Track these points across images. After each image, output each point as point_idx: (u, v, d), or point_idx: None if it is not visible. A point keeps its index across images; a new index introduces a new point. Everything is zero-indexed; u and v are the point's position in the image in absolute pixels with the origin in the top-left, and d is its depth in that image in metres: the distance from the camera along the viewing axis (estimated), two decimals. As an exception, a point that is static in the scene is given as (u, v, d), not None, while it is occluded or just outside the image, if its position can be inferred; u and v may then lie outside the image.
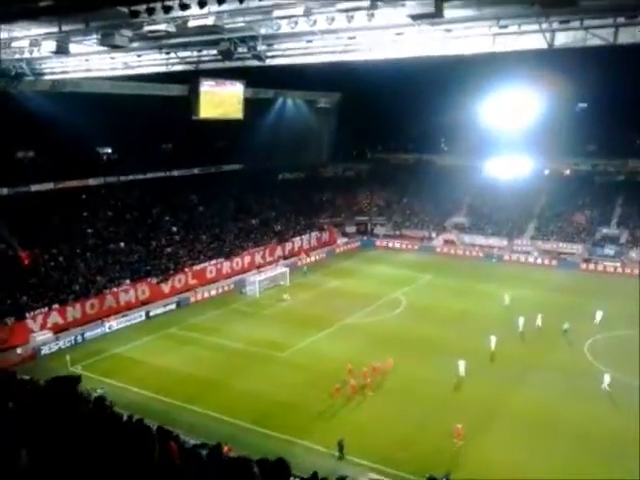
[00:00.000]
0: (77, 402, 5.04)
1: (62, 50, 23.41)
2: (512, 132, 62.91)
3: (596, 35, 18.60)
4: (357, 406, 31.62)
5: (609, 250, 63.24)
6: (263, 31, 21.41)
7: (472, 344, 38.68)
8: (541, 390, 33.18)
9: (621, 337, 41.19)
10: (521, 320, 41.99)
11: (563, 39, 19.43)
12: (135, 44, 23.78)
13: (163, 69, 31.11)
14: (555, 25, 18.79)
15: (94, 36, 22.37)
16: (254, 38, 22.87)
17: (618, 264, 60.89)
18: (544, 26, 18.96)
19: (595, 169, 73.33)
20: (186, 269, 53.23)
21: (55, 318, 42.79)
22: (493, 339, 38.46)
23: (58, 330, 42.30)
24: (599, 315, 43.69)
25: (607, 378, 32.85)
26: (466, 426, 27.92)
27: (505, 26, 19.03)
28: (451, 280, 56.74)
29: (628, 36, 18.15)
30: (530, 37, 19.76)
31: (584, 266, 62.01)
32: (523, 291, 52.32)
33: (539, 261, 64.43)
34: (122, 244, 53.40)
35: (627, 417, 29.34)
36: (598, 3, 15.69)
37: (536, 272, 60.19)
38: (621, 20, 17.67)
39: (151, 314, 47.04)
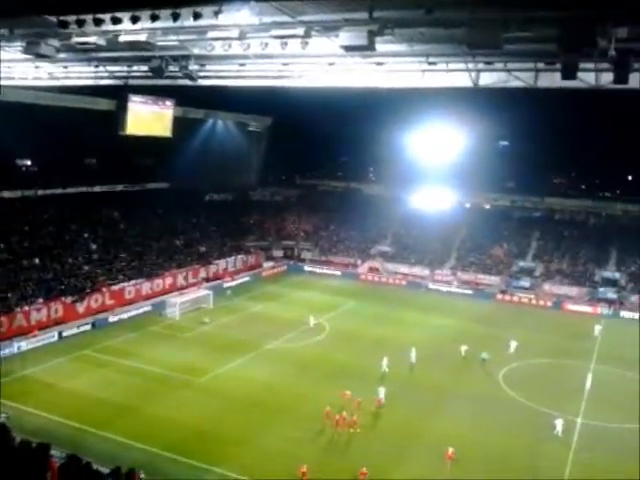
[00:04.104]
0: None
1: (-19, 55, 22.35)
2: (437, 165, 64.90)
3: (518, 78, 19.59)
4: (267, 432, 31.13)
5: (524, 282, 65.86)
6: (196, 51, 21.24)
7: (392, 371, 39.07)
8: (457, 418, 33.75)
9: (534, 365, 42.83)
10: (413, 351, 41.55)
11: (487, 79, 20.37)
12: (62, 55, 23.03)
13: (91, 82, 30.32)
14: (480, 65, 19.67)
15: (18, 43, 21.51)
16: (186, 57, 22.65)
17: (532, 296, 63.45)
18: (470, 65, 19.81)
19: (513, 205, 76.72)
20: (103, 289, 51.36)
21: (-42, 336, 40.23)
22: (385, 361, 39.25)
23: (-39, 349, 39.76)
24: (513, 345, 45.22)
25: (559, 423, 31.77)
26: (383, 456, 27.98)
27: (434, 63, 19.71)
28: (374, 307, 57.47)
29: (547, 81, 19.25)
30: (457, 75, 20.59)
31: (500, 297, 64.22)
32: (442, 320, 53.65)
33: (458, 290, 66.24)
34: (37, 260, 51.06)
35: (541, 442, 30.46)
36: (520, 47, 16.45)
37: (454, 301, 61.84)
38: (541, 65, 18.72)
39: (64, 334, 44.94)
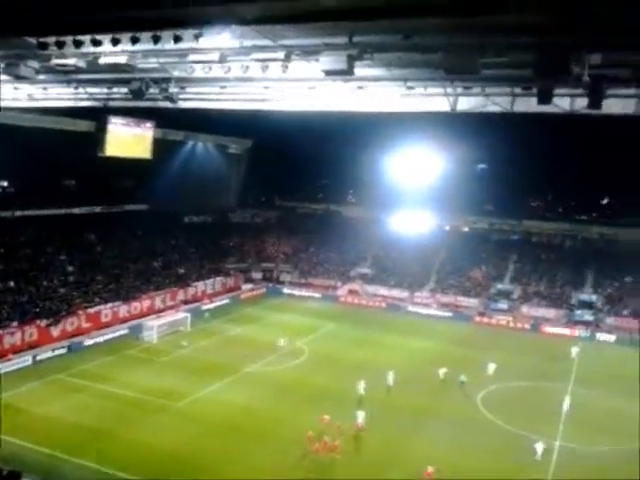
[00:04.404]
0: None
1: (-41, 76, 22.10)
2: (416, 188, 65.45)
3: (495, 102, 19.94)
4: (246, 457, 30.66)
5: (502, 305, 66.26)
6: (176, 73, 21.25)
7: (370, 394, 38.83)
8: (435, 441, 33.58)
9: (512, 388, 42.91)
10: (390, 374, 41.46)
11: (465, 104, 20.70)
12: (42, 76, 22.92)
13: (70, 104, 30.13)
14: (459, 90, 19.99)
15: (-4, 64, 21.35)
16: (167, 80, 22.69)
17: (510, 318, 63.78)
18: (448, 90, 20.11)
19: (492, 227, 77.54)
20: (79, 312, 50.56)
21: None
22: (362, 384, 38.97)
23: None
24: (492, 367, 45.29)
25: (540, 447, 31.80)
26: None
27: (412, 87, 19.98)
28: (353, 330, 57.34)
29: (523, 105, 19.66)
30: (435, 100, 20.90)
31: (478, 319, 64.45)
32: (421, 343, 53.65)
33: (437, 313, 66.32)
34: (12, 283, 50.20)
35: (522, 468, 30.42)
36: (497, 72, 16.77)
37: (433, 324, 61.94)
38: (517, 90, 19.10)
39: (38, 358, 44.04)
